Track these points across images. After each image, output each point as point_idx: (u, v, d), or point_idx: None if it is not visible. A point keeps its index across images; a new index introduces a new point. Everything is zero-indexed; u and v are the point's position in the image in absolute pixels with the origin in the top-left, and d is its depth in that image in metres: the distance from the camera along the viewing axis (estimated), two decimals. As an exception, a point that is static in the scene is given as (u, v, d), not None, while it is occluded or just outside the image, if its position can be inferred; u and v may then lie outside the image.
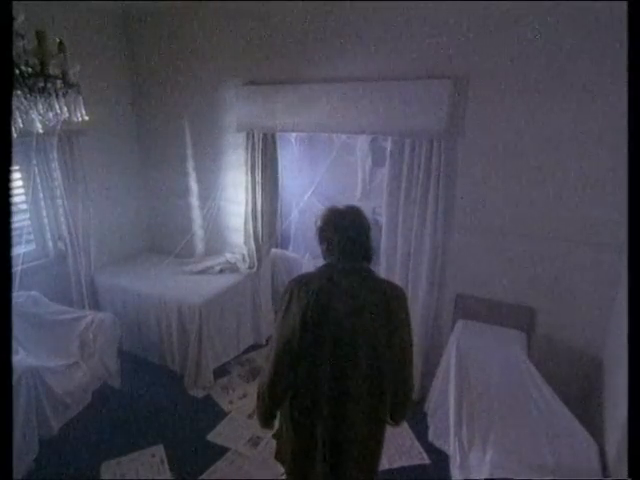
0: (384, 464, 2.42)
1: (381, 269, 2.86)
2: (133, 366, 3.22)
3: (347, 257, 1.48)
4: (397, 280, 2.76)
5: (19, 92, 1.53)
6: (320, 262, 1.59)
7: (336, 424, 1.52)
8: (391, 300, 1.46)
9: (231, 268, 3.43)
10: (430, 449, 2.51)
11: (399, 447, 2.55)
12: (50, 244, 3.27)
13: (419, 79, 2.39)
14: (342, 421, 1.51)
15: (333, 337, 1.44)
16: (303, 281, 1.49)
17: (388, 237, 2.74)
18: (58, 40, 1.62)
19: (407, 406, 1.62)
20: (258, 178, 3.09)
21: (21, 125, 1.61)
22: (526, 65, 2.20)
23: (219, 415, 2.82)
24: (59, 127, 1.90)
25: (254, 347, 3.57)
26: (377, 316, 1.44)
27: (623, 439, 1.45)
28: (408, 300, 1.54)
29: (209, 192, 3.50)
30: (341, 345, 1.45)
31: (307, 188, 4.17)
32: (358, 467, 1.59)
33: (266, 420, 1.62)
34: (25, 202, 3.06)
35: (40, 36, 1.54)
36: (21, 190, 3.02)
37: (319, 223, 1.54)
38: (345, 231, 1.48)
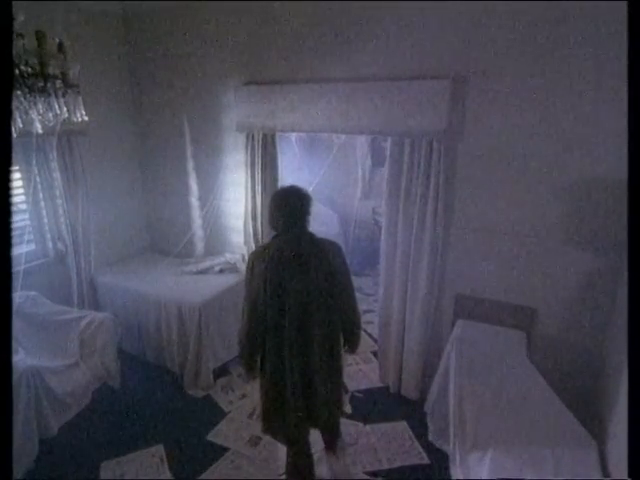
0: (384, 464, 2.43)
1: (381, 269, 2.86)
2: (133, 366, 3.22)
3: (290, 226, 1.86)
4: (397, 280, 2.77)
5: (19, 92, 1.53)
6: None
7: (301, 354, 1.87)
8: (329, 252, 1.88)
9: (231, 268, 3.43)
10: (430, 449, 2.51)
11: (399, 447, 2.56)
12: (50, 244, 3.27)
13: (419, 79, 2.39)
14: (305, 350, 1.87)
15: (289, 289, 1.81)
16: (259, 251, 1.91)
17: (388, 237, 2.74)
18: (58, 40, 1.62)
19: (356, 334, 2.07)
20: (258, 178, 3.10)
21: (21, 125, 1.61)
22: (526, 65, 2.20)
23: (219, 415, 2.83)
24: (59, 127, 1.90)
25: (254, 347, 3.57)
26: (320, 266, 1.84)
27: (623, 439, 1.45)
28: (343, 250, 1.97)
29: (209, 192, 3.50)
30: (296, 294, 1.82)
31: (307, 188, 4.16)
32: (324, 385, 1.95)
33: (249, 365, 1.97)
34: (25, 202, 3.06)
35: (40, 36, 1.54)
36: (21, 190, 3.03)
37: (270, 205, 1.92)
38: (285, 207, 1.86)
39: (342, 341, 2.06)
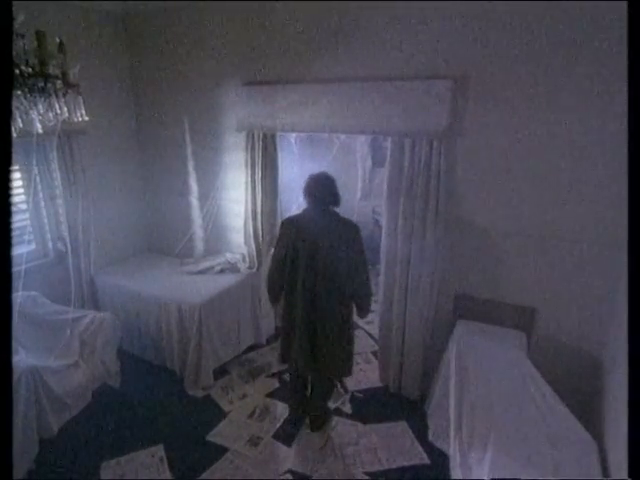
0: (384, 464, 2.43)
1: (381, 269, 2.86)
2: (133, 366, 3.22)
3: (319, 204, 2.32)
4: (397, 280, 2.77)
5: (19, 92, 1.53)
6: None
7: (310, 301, 2.33)
8: (346, 228, 2.33)
9: (231, 268, 3.43)
10: (430, 449, 2.51)
11: (399, 447, 2.56)
12: (50, 244, 3.27)
13: (419, 79, 2.39)
14: (314, 298, 2.33)
15: (309, 252, 2.28)
16: (289, 219, 2.43)
17: (388, 237, 2.74)
18: (58, 40, 1.62)
19: (366, 302, 2.45)
20: (258, 178, 3.10)
21: (21, 125, 1.61)
22: (526, 65, 2.20)
23: (219, 415, 2.82)
24: (59, 127, 1.90)
25: (254, 347, 3.57)
26: (336, 239, 2.28)
27: (623, 439, 1.45)
28: (360, 232, 2.37)
29: (209, 192, 3.50)
30: (314, 256, 2.28)
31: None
32: (329, 338, 2.39)
33: (275, 298, 2.54)
34: (25, 202, 3.06)
35: (40, 36, 1.53)
36: (21, 190, 3.03)
37: (304, 185, 2.36)
38: (317, 187, 2.32)
39: (353, 309, 2.49)
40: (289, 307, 2.43)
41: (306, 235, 2.28)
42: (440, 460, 2.42)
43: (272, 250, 2.50)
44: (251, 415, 2.83)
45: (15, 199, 2.97)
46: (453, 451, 2.22)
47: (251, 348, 3.54)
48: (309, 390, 2.75)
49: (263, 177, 3.08)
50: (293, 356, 2.47)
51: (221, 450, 2.54)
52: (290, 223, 2.37)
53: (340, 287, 2.34)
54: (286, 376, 3.15)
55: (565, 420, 2.04)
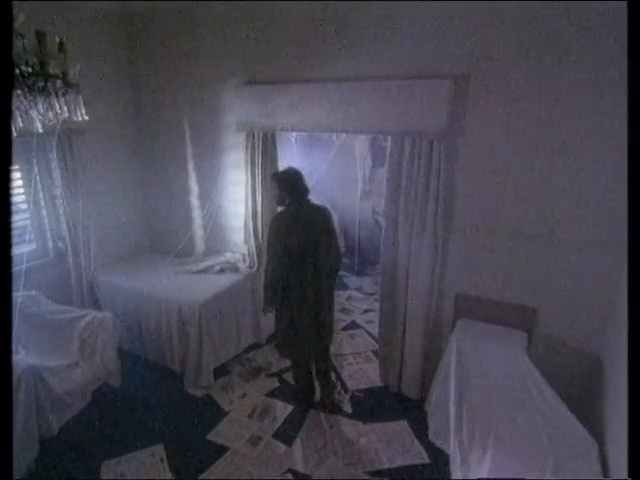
0: (384, 464, 2.43)
1: (381, 269, 2.86)
2: (133, 366, 3.22)
3: (297, 196, 2.53)
4: (397, 280, 2.77)
5: (19, 92, 1.53)
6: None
7: (313, 285, 2.56)
8: (325, 214, 2.62)
9: (231, 268, 3.43)
10: (430, 449, 2.52)
11: (399, 447, 2.56)
12: (50, 244, 3.27)
13: (419, 79, 2.39)
14: (317, 282, 2.57)
15: (301, 240, 2.46)
16: (278, 216, 2.55)
17: (388, 237, 2.74)
18: (58, 40, 1.62)
19: (338, 267, 2.75)
20: (258, 178, 3.10)
21: (21, 125, 1.60)
22: (526, 65, 2.20)
23: (219, 415, 2.83)
24: (59, 127, 1.90)
25: (254, 347, 3.57)
26: (321, 224, 2.55)
27: (623, 439, 1.45)
28: (331, 213, 2.75)
29: (209, 192, 3.50)
30: (306, 243, 2.48)
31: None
32: (327, 312, 2.68)
33: (271, 298, 2.58)
34: (25, 202, 3.06)
35: (40, 36, 1.53)
36: (21, 190, 3.03)
37: (275, 183, 2.55)
38: (291, 182, 2.52)
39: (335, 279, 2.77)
40: (294, 298, 2.56)
41: (296, 226, 2.47)
42: (440, 460, 2.42)
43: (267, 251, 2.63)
44: (251, 415, 2.83)
45: (15, 199, 2.97)
46: (453, 451, 2.22)
47: (251, 347, 3.55)
48: (314, 373, 2.93)
49: (263, 177, 3.08)
50: (300, 343, 2.65)
51: (221, 450, 2.54)
52: (281, 220, 2.52)
53: (328, 264, 2.61)
54: (287, 375, 3.17)
55: (565, 420, 2.04)
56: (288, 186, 2.51)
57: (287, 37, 2.78)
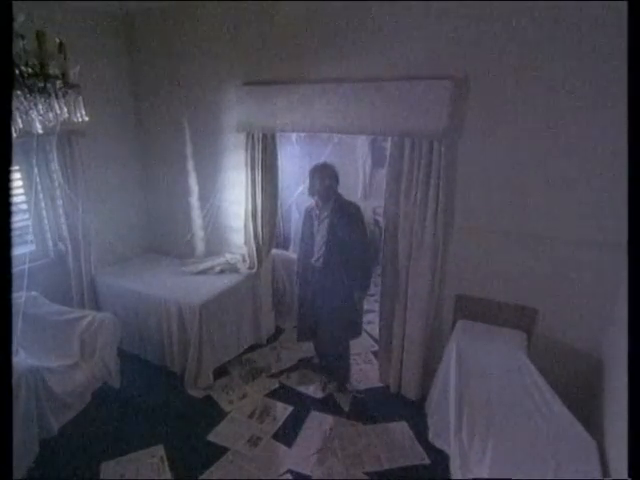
0: (384, 464, 2.43)
1: (381, 269, 2.86)
2: (133, 366, 3.22)
3: (326, 190, 2.71)
4: (397, 280, 2.77)
5: (19, 92, 1.53)
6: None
7: (326, 273, 2.83)
8: (350, 209, 2.77)
9: (231, 268, 3.43)
10: (430, 449, 2.51)
11: (399, 447, 2.56)
12: (50, 244, 3.27)
13: (419, 79, 2.38)
14: (331, 264, 2.80)
15: (327, 228, 2.76)
16: (311, 206, 2.87)
17: (388, 237, 2.74)
18: (58, 40, 1.62)
19: (366, 276, 2.84)
20: (258, 178, 3.09)
21: (21, 125, 1.61)
22: (526, 65, 2.20)
23: (219, 415, 2.82)
24: (59, 127, 1.90)
25: (254, 347, 3.57)
26: (346, 217, 2.72)
27: (623, 439, 1.45)
28: (361, 210, 2.86)
29: (209, 192, 3.50)
30: (330, 231, 2.75)
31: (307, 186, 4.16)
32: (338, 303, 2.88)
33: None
34: (25, 202, 3.06)
35: (40, 36, 1.53)
36: (21, 190, 3.03)
37: (326, 176, 2.71)
38: (320, 176, 2.71)
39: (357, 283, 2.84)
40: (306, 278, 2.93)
41: (325, 218, 2.75)
42: (440, 460, 2.41)
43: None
44: (251, 415, 2.83)
45: (15, 199, 2.97)
46: (453, 451, 2.22)
47: (251, 348, 3.54)
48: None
49: (263, 177, 3.08)
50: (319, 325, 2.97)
51: (221, 450, 2.54)
52: (312, 210, 2.85)
53: (350, 254, 2.77)
54: (285, 377, 3.20)
55: (565, 420, 2.04)
56: (337, 180, 2.72)
57: (287, 37, 2.78)
